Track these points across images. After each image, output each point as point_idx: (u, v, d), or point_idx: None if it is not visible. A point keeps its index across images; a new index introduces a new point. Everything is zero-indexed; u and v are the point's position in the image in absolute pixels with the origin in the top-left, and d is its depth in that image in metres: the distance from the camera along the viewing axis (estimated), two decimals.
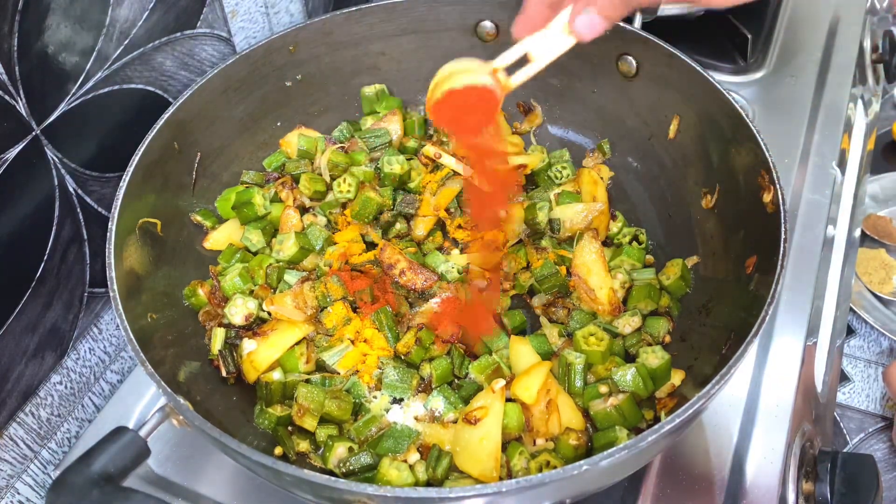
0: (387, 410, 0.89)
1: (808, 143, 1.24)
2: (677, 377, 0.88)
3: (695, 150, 1.01)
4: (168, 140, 0.95)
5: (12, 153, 0.82)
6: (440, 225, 1.07)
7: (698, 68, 0.96)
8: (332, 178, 1.08)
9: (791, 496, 0.88)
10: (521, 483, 0.62)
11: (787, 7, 1.48)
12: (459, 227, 1.06)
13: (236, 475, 0.91)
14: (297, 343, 0.92)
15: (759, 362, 0.99)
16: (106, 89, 0.93)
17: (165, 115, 0.94)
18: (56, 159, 0.89)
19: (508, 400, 0.85)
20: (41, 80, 0.84)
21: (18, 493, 0.95)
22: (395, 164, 1.09)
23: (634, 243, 1.05)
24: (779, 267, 0.76)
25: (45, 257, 0.90)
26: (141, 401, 0.99)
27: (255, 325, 0.96)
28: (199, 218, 1.02)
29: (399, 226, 1.06)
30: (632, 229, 1.07)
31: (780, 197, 0.82)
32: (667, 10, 1.17)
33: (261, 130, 1.11)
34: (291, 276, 0.98)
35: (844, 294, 1.24)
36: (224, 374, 0.91)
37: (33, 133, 0.85)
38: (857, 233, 1.38)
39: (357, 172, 1.07)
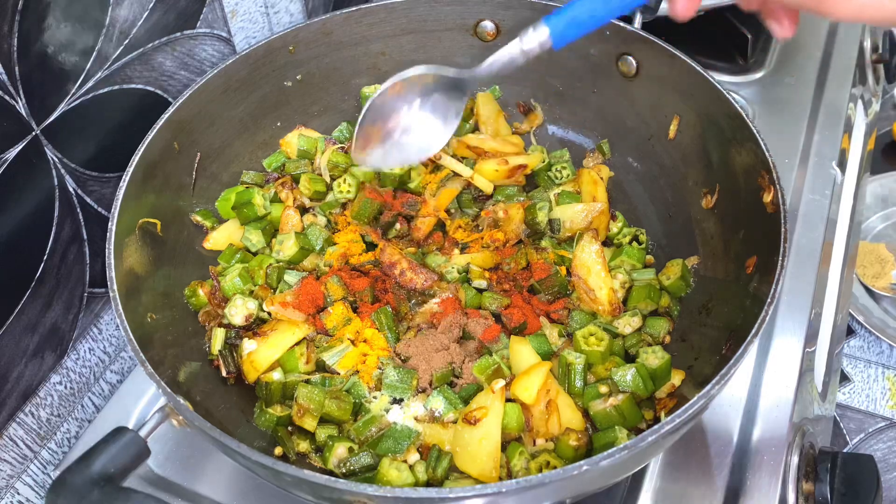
0: (387, 411, 0.89)
1: (808, 143, 1.24)
2: (677, 377, 0.88)
3: (695, 150, 1.01)
4: (168, 140, 0.95)
5: (12, 153, 0.82)
6: (440, 225, 1.07)
7: (698, 68, 0.95)
8: (332, 179, 1.08)
9: (791, 496, 0.88)
10: (521, 483, 0.62)
11: None
12: (459, 227, 1.06)
13: (236, 475, 0.91)
14: (297, 343, 0.92)
15: (759, 362, 0.99)
16: (106, 89, 0.93)
17: (165, 115, 0.94)
18: (56, 159, 0.89)
19: (508, 400, 0.85)
20: (41, 80, 0.84)
21: (18, 493, 0.95)
22: None
23: (634, 243, 1.05)
24: (779, 267, 0.76)
25: (45, 257, 0.90)
26: (141, 401, 0.99)
27: (255, 326, 0.96)
28: (199, 218, 1.02)
29: (399, 226, 1.06)
30: (632, 229, 1.07)
31: (780, 197, 0.82)
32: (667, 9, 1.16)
33: (261, 130, 1.11)
34: (291, 277, 0.98)
35: (845, 294, 1.24)
36: (224, 374, 0.91)
37: (33, 133, 0.85)
38: (858, 232, 1.38)
39: (357, 173, 1.07)
